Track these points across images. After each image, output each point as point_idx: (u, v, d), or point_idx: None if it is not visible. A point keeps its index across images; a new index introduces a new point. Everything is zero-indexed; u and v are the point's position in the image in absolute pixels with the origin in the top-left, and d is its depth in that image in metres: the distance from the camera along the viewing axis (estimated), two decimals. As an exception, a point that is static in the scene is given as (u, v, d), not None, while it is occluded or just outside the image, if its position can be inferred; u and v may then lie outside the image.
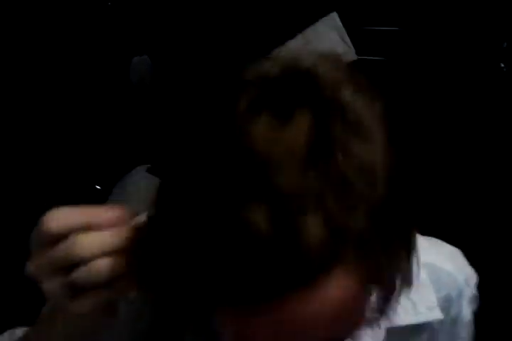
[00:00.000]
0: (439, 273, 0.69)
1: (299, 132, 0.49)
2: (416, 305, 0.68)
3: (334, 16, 1.76)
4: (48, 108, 1.62)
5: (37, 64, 1.62)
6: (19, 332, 0.73)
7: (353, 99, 0.51)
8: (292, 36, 1.76)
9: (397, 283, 0.52)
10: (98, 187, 1.71)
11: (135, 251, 0.54)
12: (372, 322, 0.55)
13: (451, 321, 0.73)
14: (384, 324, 0.63)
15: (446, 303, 0.71)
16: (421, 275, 0.61)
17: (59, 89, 1.67)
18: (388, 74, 1.69)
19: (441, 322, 0.71)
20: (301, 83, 0.52)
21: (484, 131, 1.64)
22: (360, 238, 0.47)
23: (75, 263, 0.54)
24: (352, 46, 1.73)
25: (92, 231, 0.54)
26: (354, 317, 0.51)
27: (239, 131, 0.49)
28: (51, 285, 0.55)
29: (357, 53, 1.73)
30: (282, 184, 0.47)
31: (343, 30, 1.74)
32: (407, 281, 0.53)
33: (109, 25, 1.79)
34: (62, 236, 0.54)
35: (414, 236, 0.53)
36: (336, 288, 0.47)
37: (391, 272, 0.51)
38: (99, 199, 1.64)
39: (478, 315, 0.77)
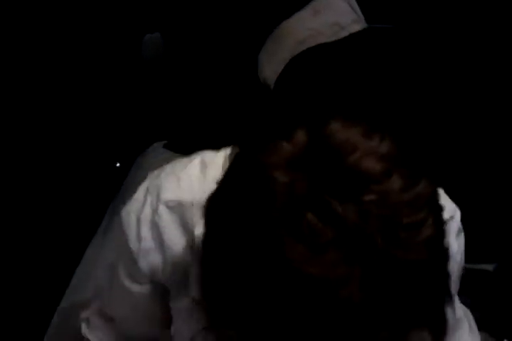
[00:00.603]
0: None
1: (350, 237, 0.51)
2: None
3: (342, -15, 1.75)
4: (64, 88, 1.65)
5: (50, 43, 1.64)
6: None
7: (397, 194, 0.52)
8: (301, 7, 1.76)
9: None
10: (118, 164, 1.74)
11: None
12: None
13: None
14: None
15: None
16: None
17: (73, 71, 1.69)
18: (398, 42, 1.68)
19: None
20: (344, 177, 0.52)
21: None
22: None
23: None
24: (362, 15, 1.72)
25: None
26: None
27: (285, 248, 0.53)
28: None
29: (366, 22, 1.72)
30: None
31: (352, -2, 1.74)
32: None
33: (120, 3, 1.80)
34: None
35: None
36: None
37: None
38: (119, 177, 1.67)
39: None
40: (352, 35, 1.67)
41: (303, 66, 1.68)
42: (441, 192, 0.79)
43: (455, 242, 0.81)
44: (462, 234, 0.84)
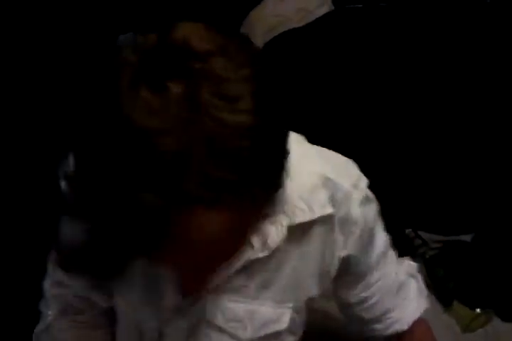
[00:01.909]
0: (325, 179, 0.81)
1: (173, 103, 0.55)
2: (311, 205, 0.80)
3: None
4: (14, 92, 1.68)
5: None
6: None
7: (221, 69, 0.57)
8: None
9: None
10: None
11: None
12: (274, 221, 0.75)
13: (341, 219, 0.83)
14: (285, 222, 0.78)
15: (333, 203, 0.82)
16: (315, 182, 0.80)
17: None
18: (367, 21, 1.68)
19: (333, 218, 0.82)
20: (175, 55, 0.57)
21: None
22: (231, 186, 0.57)
23: None
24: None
25: None
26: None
27: (122, 107, 0.56)
28: None
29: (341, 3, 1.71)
30: (163, 147, 0.55)
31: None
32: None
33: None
34: None
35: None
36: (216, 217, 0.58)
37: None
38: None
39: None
40: (318, 19, 1.68)
41: (274, 52, 1.70)
42: (351, 164, 0.86)
43: (358, 209, 0.83)
44: (370, 203, 0.86)
